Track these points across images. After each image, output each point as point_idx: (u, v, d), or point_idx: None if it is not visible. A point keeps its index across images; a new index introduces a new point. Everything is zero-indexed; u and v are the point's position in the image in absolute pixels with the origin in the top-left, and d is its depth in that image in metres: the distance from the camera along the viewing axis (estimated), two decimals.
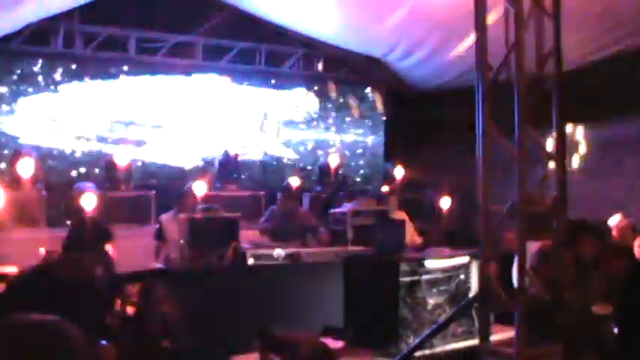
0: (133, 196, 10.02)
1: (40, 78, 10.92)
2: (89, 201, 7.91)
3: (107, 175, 10.22)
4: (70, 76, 11.12)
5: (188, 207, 8.63)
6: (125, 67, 11.51)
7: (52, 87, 10.99)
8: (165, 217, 8.90)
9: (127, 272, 5.88)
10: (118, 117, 11.42)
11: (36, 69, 10.90)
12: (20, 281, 2.48)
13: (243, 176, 11.69)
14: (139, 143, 11.54)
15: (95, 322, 2.26)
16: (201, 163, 11.98)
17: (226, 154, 11.42)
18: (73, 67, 11.12)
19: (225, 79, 12.30)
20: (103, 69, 11.34)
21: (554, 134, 5.41)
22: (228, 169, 11.26)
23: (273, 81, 12.75)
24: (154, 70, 11.71)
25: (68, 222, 9.47)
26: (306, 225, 9.44)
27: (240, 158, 11.68)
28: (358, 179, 13.29)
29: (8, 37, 9.75)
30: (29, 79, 10.87)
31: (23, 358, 1.76)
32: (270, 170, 12.63)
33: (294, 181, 10.42)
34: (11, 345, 1.80)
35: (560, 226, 5.25)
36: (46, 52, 10.87)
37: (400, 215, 9.22)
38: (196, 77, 12.08)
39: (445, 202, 10.26)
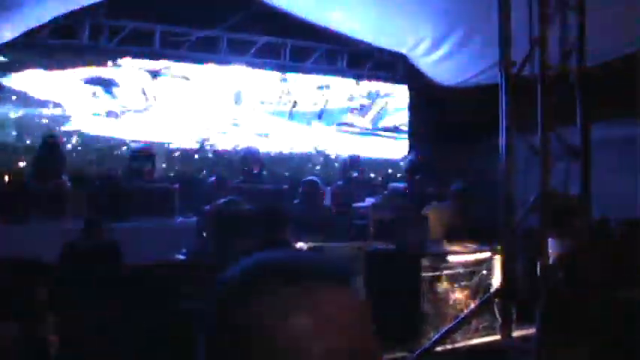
0: (157, 188, 10.06)
1: None
2: None
3: (131, 166, 10.28)
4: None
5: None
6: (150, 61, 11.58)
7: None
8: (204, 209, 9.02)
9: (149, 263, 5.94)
10: (148, 109, 11.48)
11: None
12: None
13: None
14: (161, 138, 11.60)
15: None
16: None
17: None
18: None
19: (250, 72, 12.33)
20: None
21: (578, 130, 5.39)
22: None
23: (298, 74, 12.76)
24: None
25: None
26: (326, 219, 9.44)
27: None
28: (381, 174, 13.27)
29: (34, 31, 9.81)
30: None
31: None
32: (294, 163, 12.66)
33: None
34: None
35: (583, 224, 5.23)
36: (71, 46, 10.95)
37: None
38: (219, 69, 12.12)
39: (468, 198, 10.21)
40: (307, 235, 8.69)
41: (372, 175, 12.79)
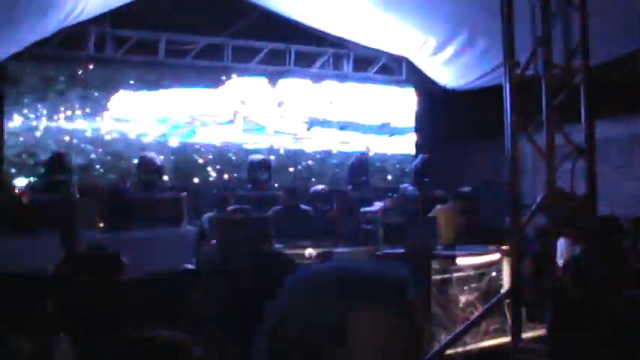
0: (165, 197, 10.05)
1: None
2: None
3: (140, 176, 10.29)
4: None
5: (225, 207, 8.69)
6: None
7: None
8: (205, 217, 9.01)
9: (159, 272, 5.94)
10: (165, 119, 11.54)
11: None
12: None
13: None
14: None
15: None
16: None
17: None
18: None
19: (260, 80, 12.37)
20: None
21: (583, 130, 5.37)
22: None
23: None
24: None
25: (101, 224, 9.58)
26: (305, 224, 9.32)
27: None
28: (389, 178, 13.25)
29: (41, 42, 9.86)
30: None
31: None
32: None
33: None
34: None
35: (589, 223, 5.21)
36: (77, 57, 11.01)
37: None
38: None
39: (476, 200, 10.17)
40: (286, 240, 8.60)
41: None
